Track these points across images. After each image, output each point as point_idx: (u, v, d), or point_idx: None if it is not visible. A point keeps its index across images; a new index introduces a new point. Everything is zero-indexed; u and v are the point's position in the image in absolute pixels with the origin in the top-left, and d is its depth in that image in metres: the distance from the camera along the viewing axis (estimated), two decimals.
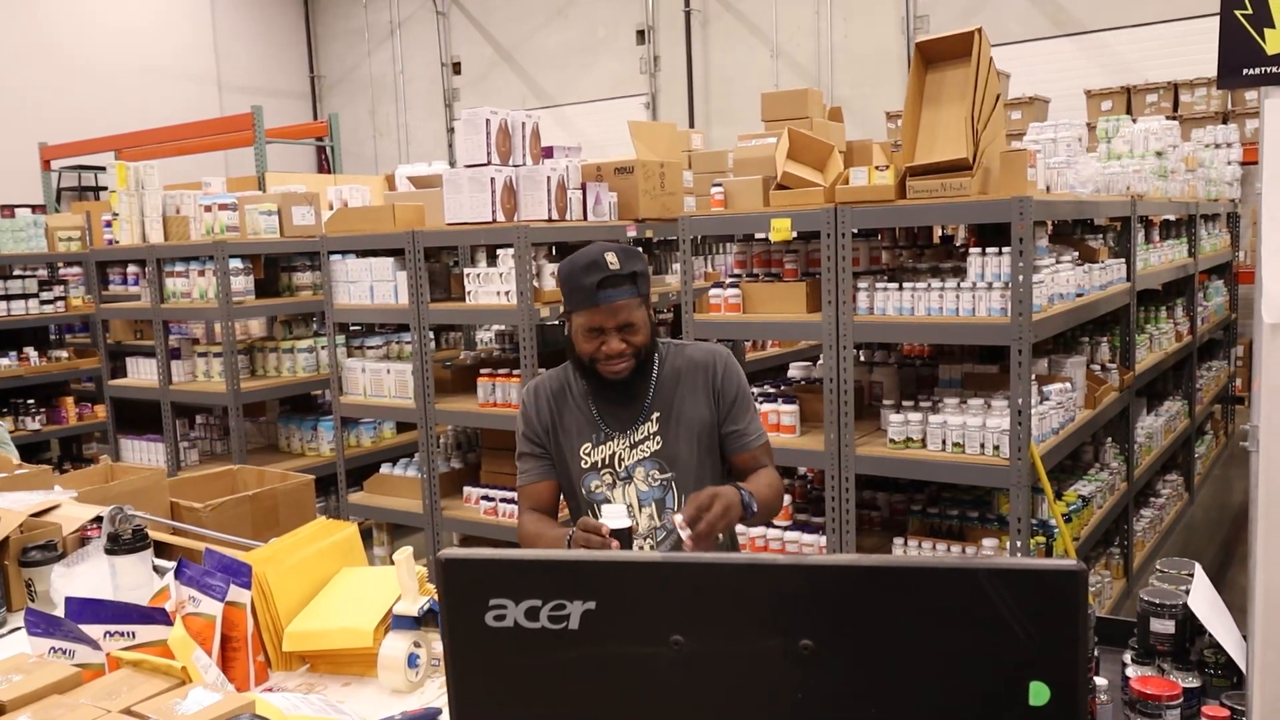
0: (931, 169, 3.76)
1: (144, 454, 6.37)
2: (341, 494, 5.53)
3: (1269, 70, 1.58)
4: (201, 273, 5.87)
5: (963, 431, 3.73)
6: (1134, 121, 6.40)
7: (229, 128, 10.20)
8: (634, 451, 2.37)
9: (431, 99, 15.65)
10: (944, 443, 3.77)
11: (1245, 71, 1.59)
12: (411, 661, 1.87)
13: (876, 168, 3.94)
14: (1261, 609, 1.73)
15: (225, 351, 5.77)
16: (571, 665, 0.98)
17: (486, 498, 4.96)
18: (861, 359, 4.79)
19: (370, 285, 5.19)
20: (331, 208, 6.72)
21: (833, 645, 0.92)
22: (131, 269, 7.20)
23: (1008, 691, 0.89)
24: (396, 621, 1.91)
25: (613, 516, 2.11)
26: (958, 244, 5.25)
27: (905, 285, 3.84)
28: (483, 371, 4.90)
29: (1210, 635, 1.97)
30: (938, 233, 5.71)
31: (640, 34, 13.64)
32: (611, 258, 2.24)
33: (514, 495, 4.82)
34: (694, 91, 13.29)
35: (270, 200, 6.12)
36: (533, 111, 5.01)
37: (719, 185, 4.54)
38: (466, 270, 4.94)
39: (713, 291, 4.40)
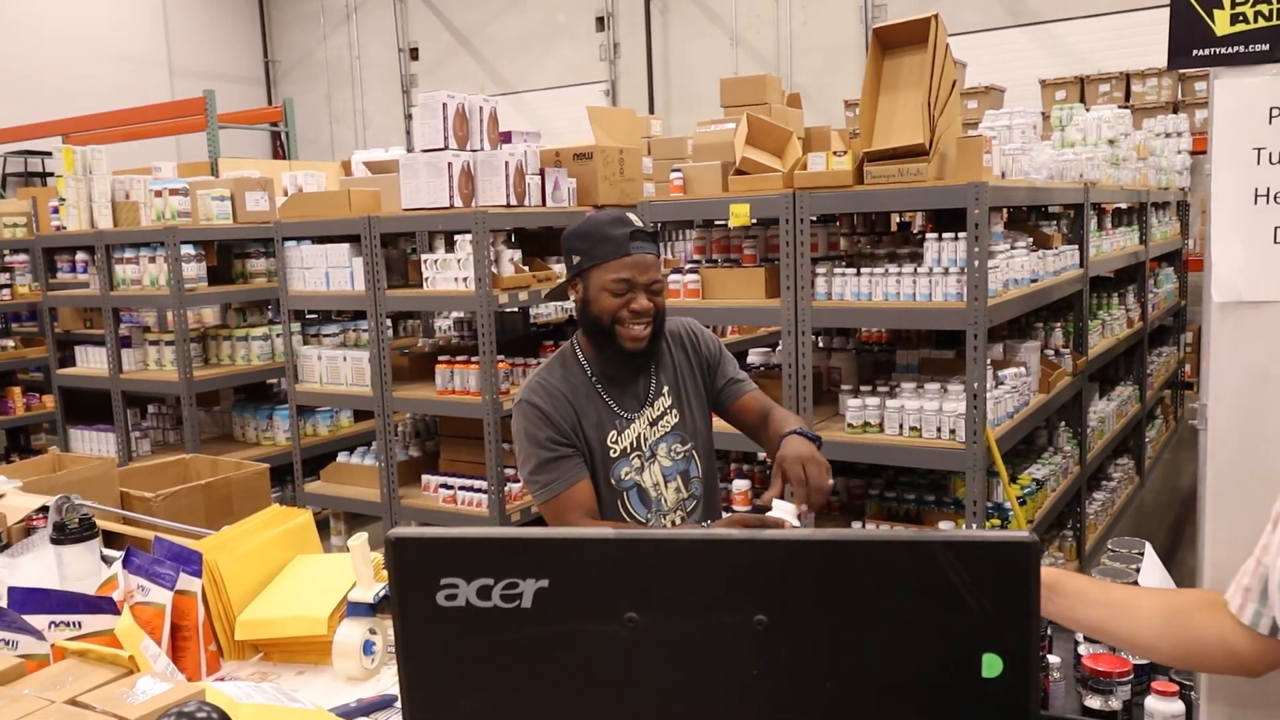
0: (889, 154, 3.78)
1: (94, 444, 6.25)
2: (298, 483, 5.46)
3: (1218, 51, 1.60)
4: (152, 259, 5.75)
5: (920, 416, 3.76)
6: (1087, 110, 6.48)
7: (180, 112, 10.01)
8: (655, 429, 2.34)
9: (389, 85, 15.47)
10: (901, 427, 3.80)
11: (1195, 52, 1.61)
12: (367, 649, 1.85)
13: (834, 153, 3.95)
14: (1209, 582, 1.76)
15: (178, 339, 5.67)
16: (524, 644, 0.96)
17: (445, 486, 4.92)
18: (820, 345, 4.81)
19: (326, 272, 5.12)
20: (286, 194, 6.62)
21: (788, 620, 0.92)
22: (80, 256, 7.05)
23: (961, 663, 0.89)
24: (351, 609, 1.88)
25: (783, 512, 1.96)
26: (915, 230, 5.29)
27: (863, 271, 3.86)
28: (441, 359, 4.86)
29: None
30: (896, 219, 5.75)
31: (600, 21, 13.57)
32: (634, 216, 2.21)
33: (473, 483, 4.81)
34: (654, 79, 13.26)
35: (223, 186, 6.02)
36: (492, 98, 4.96)
37: (678, 171, 4.53)
38: (424, 256, 4.89)
39: (672, 277, 4.39)
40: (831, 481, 2.16)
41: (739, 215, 4.02)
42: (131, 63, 14.22)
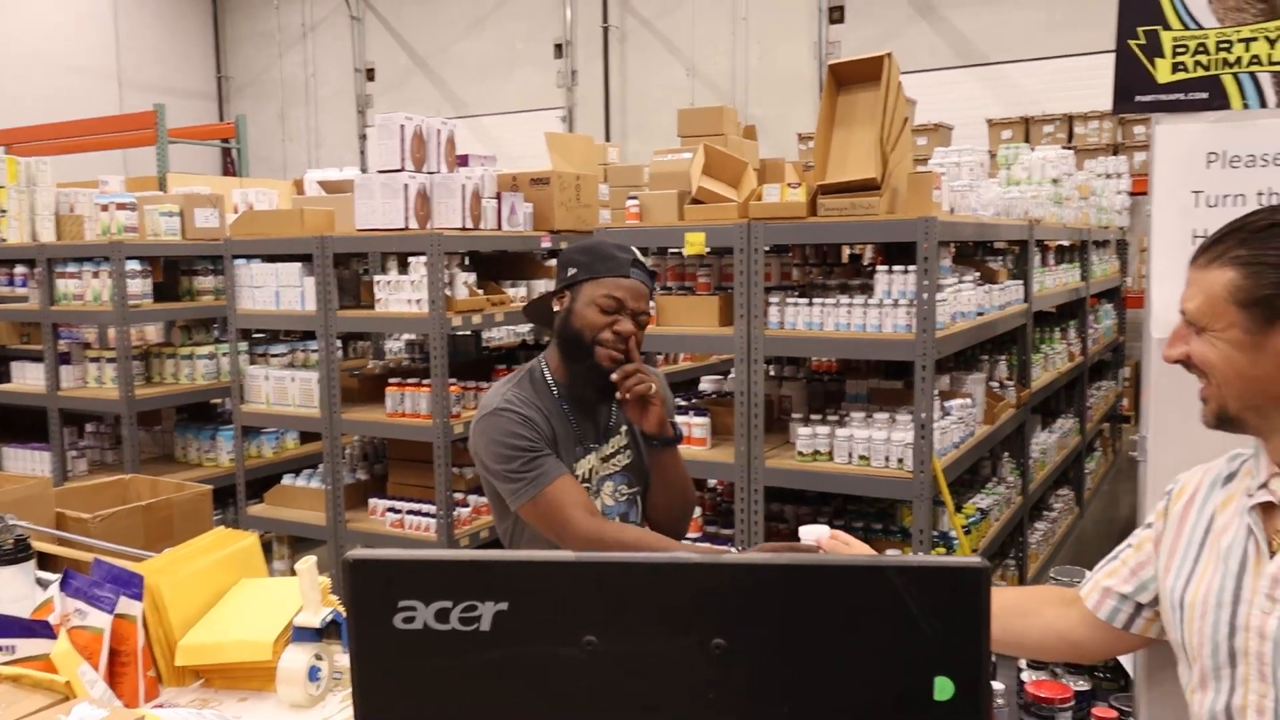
0: (842, 188, 3.85)
1: (28, 463, 6.08)
2: (240, 506, 5.36)
3: (1160, 98, 1.66)
4: (96, 274, 5.64)
5: (868, 445, 3.81)
6: (1032, 150, 6.65)
7: (129, 125, 9.86)
8: (605, 464, 2.31)
9: (344, 105, 15.39)
10: (850, 456, 3.84)
11: (1138, 98, 1.67)
12: (313, 675, 1.82)
13: (789, 185, 4.01)
14: None
15: (119, 357, 5.55)
16: (483, 667, 0.96)
17: (393, 509, 4.87)
18: (772, 373, 4.85)
19: (276, 290, 5.06)
20: (237, 211, 6.54)
21: (745, 643, 0.93)
22: (20, 269, 6.87)
23: (914, 687, 0.91)
24: (297, 633, 1.85)
25: (812, 535, 1.84)
26: (866, 263, 5.37)
27: (815, 301, 3.92)
28: (391, 381, 4.82)
29: None
30: (847, 251, 5.84)
31: (558, 48, 13.65)
32: (629, 246, 2.25)
33: (421, 507, 4.76)
34: (611, 106, 13.35)
35: (172, 201, 5.93)
36: (449, 121, 4.96)
37: (634, 198, 4.56)
38: (377, 278, 4.86)
39: None
40: (653, 386, 2.20)
41: (694, 244, 4.05)
42: (79, 74, 13.98)
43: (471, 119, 13.90)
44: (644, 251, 6.17)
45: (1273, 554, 1.35)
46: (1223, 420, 1.39)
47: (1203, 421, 1.41)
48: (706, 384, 5.09)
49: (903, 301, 3.74)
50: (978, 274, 4.67)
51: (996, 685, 2.00)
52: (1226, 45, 1.63)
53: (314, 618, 1.85)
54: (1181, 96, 1.65)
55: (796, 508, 4.47)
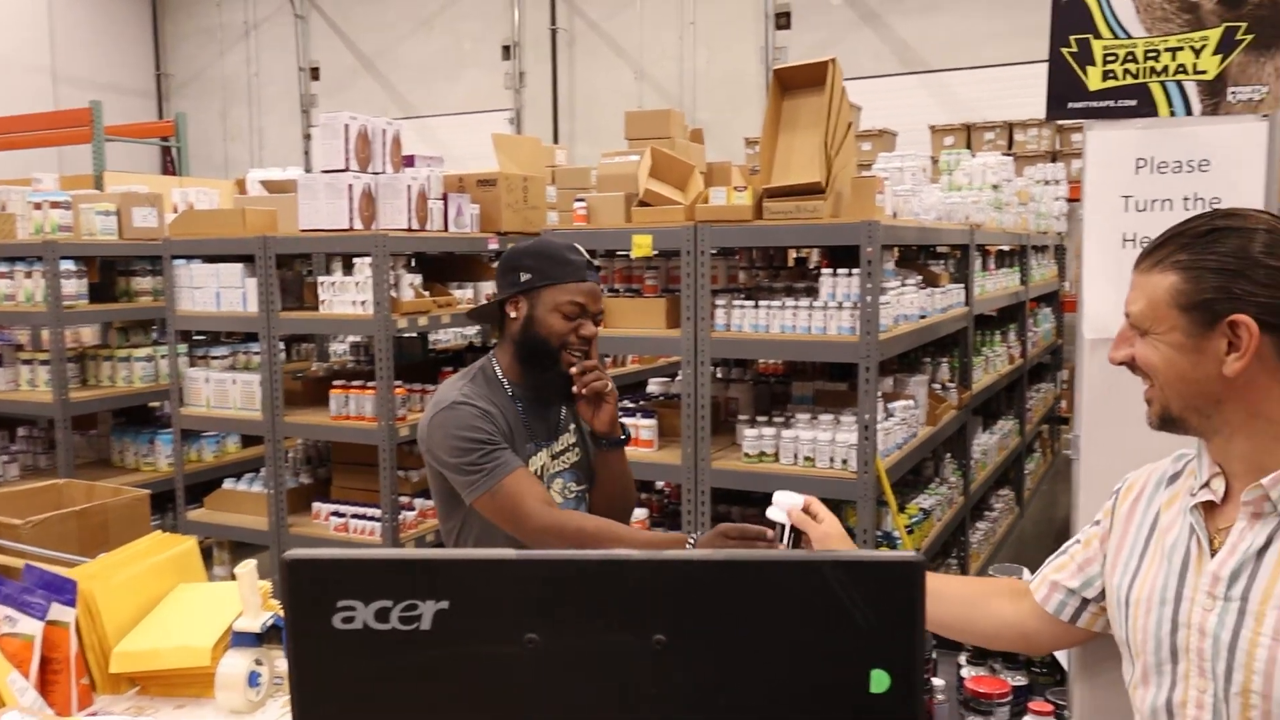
0: (787, 191, 3.89)
1: None
2: (180, 510, 5.25)
3: (1091, 105, 1.70)
4: (29, 274, 5.49)
5: (813, 446, 3.85)
6: (973, 156, 6.78)
7: (64, 122, 9.61)
8: (555, 462, 2.33)
9: (288, 104, 15.16)
10: (796, 457, 3.88)
11: (1070, 104, 1.72)
12: (252, 680, 1.79)
13: (735, 188, 4.04)
14: None
15: (53, 359, 5.41)
16: (423, 667, 0.96)
17: (337, 514, 4.81)
18: (719, 375, 4.88)
19: (217, 291, 4.97)
20: (176, 210, 6.41)
21: (685, 639, 0.94)
22: None
23: (850, 679, 0.92)
24: (237, 639, 1.82)
25: (784, 503, 1.82)
26: (811, 265, 5.43)
27: (761, 303, 3.95)
28: (335, 383, 4.76)
29: None
30: (793, 254, 5.90)
31: (506, 49, 13.60)
32: (579, 248, 2.25)
33: (366, 511, 4.71)
34: (559, 109, 13.33)
35: (108, 200, 5.80)
36: (396, 121, 4.92)
37: (582, 200, 4.56)
38: (321, 279, 4.80)
39: None
40: (610, 384, 2.25)
41: (641, 246, 4.07)
42: (11, 69, 13.60)
43: (418, 120, 13.79)
44: (592, 254, 6.18)
45: (1214, 553, 1.37)
46: (1166, 421, 1.42)
47: (1148, 423, 1.43)
48: (654, 386, 5.11)
49: (847, 304, 3.78)
50: (920, 277, 4.74)
51: (937, 681, 2.04)
52: (1154, 54, 1.68)
53: (254, 622, 1.83)
54: (1112, 104, 1.70)
55: (743, 509, 4.50)
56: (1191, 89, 1.67)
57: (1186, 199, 1.66)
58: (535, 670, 0.94)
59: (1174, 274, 1.34)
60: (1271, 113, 1.64)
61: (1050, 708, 1.90)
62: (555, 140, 12.93)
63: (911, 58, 11.30)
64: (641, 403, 4.61)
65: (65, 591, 1.78)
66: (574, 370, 2.20)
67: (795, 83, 4.07)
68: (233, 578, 1.84)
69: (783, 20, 11.98)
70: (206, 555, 5.33)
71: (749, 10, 12.06)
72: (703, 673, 0.94)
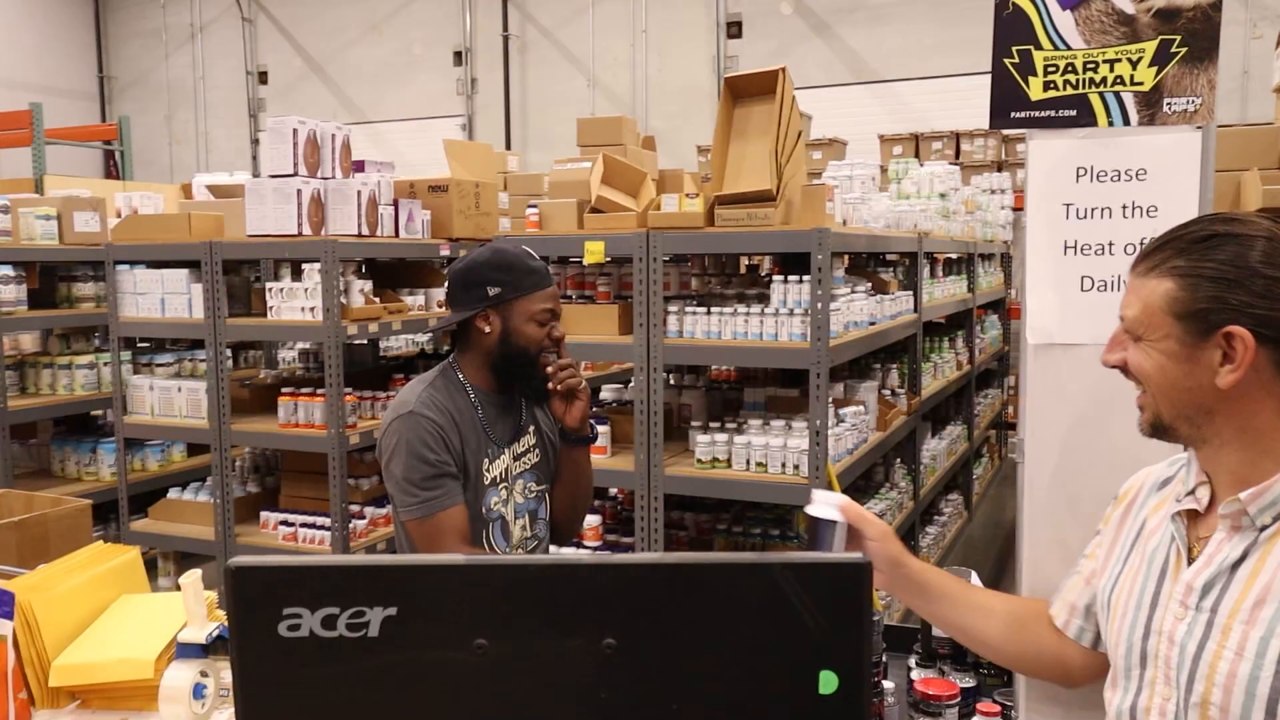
0: (738, 198, 3.91)
1: None
2: (123, 521, 5.14)
3: (1032, 114, 1.74)
4: None
5: (765, 452, 3.87)
6: (921, 165, 6.88)
7: (3, 125, 9.39)
8: (518, 463, 2.38)
9: (235, 108, 14.95)
10: (748, 463, 3.90)
11: (1013, 114, 1.75)
12: (197, 692, 1.76)
13: (687, 195, 4.06)
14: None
15: None
16: (371, 674, 0.95)
17: (286, 523, 4.74)
18: (672, 382, 4.89)
19: (162, 298, 4.88)
20: (120, 215, 6.29)
21: (635, 643, 0.94)
22: None
23: (800, 681, 0.93)
24: (181, 650, 1.79)
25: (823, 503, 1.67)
26: (763, 273, 5.47)
27: (713, 310, 3.97)
28: (284, 390, 4.69)
29: None
30: (745, 262, 5.94)
31: (458, 55, 13.54)
32: (533, 253, 2.30)
33: (315, 520, 4.65)
34: (511, 115, 13.30)
35: (49, 204, 5.67)
36: (345, 126, 4.87)
37: (534, 207, 4.55)
38: (269, 285, 4.73)
39: None
40: (584, 381, 2.32)
41: (594, 252, 4.07)
42: None
43: (369, 125, 13.68)
44: (545, 260, 6.18)
45: (1191, 561, 1.36)
46: (1157, 429, 1.38)
47: (1139, 429, 1.40)
48: (607, 392, 5.11)
49: (798, 311, 3.82)
50: (870, 284, 4.80)
51: (887, 684, 2.06)
52: (1093, 65, 1.73)
53: (199, 633, 1.79)
54: (1052, 113, 1.74)
55: (696, 515, 4.51)
56: (1129, 100, 1.71)
57: (1125, 207, 1.70)
58: (485, 675, 0.94)
59: (1170, 280, 1.31)
60: (1205, 123, 1.68)
61: (997, 708, 1.93)
62: (508, 147, 12.89)
63: (861, 68, 11.46)
64: (595, 409, 4.60)
65: (3, 604, 1.74)
66: (549, 369, 2.27)
67: (746, 91, 4.10)
68: (178, 588, 1.81)
69: (734, 29, 12.08)
70: (151, 567, 5.21)
71: (700, 19, 12.15)
72: (653, 675, 0.94)
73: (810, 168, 6.99)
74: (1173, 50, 1.69)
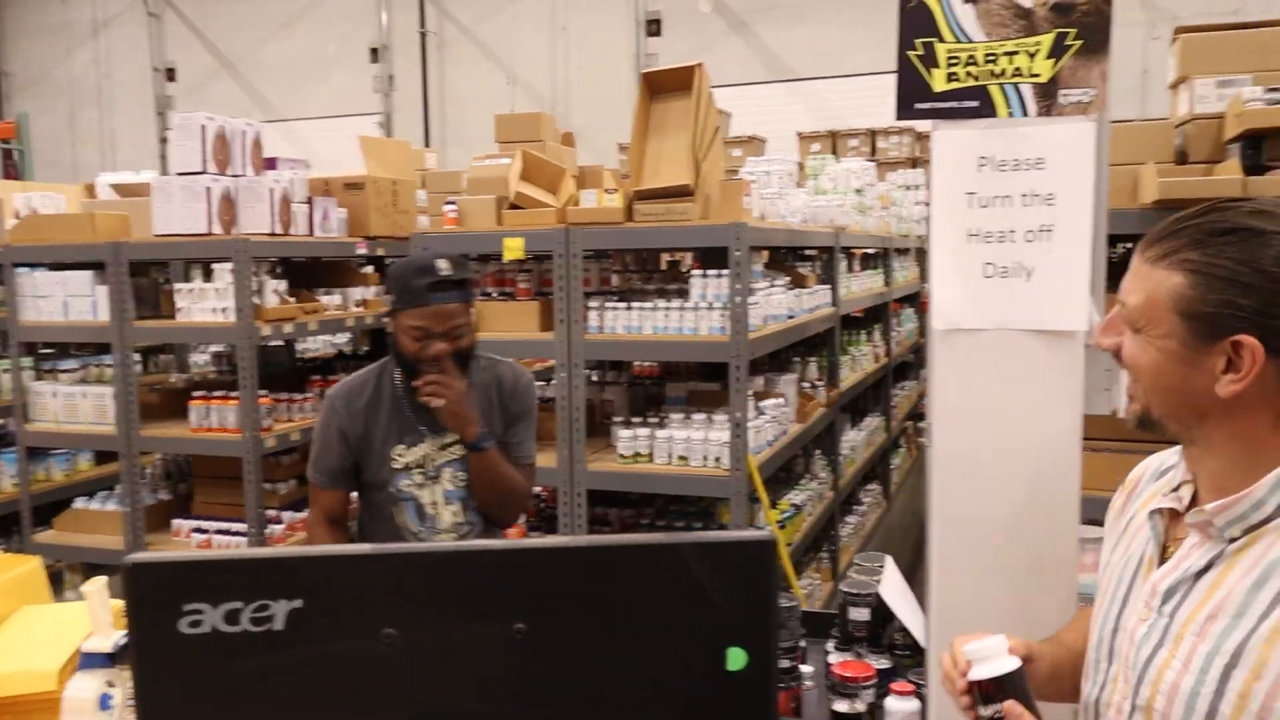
0: (657, 194, 3.93)
1: None
2: (26, 532, 4.95)
3: (936, 105, 1.79)
4: None
5: (687, 445, 3.90)
6: (838, 161, 6.99)
7: None
8: (444, 452, 2.54)
9: (141, 106, 14.49)
10: (670, 456, 3.93)
11: (916, 105, 1.79)
12: (103, 703, 1.70)
13: (606, 191, 4.07)
14: (937, 585, 1.93)
15: None
16: (277, 669, 0.93)
17: (199, 530, 4.61)
18: (595, 378, 4.89)
19: (64, 301, 4.71)
20: (19, 216, 6.03)
21: (547, 627, 0.94)
22: None
23: (709, 658, 0.94)
24: (86, 660, 1.73)
25: (983, 657, 1.35)
26: (684, 268, 5.50)
27: (633, 305, 3.98)
28: (195, 394, 4.57)
29: (898, 620, 2.18)
30: (667, 258, 5.96)
31: (374, 52, 13.34)
32: (443, 264, 2.39)
33: (230, 526, 4.54)
34: (430, 113, 13.15)
35: None
36: (256, 123, 4.76)
37: (453, 204, 4.51)
38: (179, 286, 4.60)
39: None
40: (441, 401, 2.43)
41: (513, 249, 4.05)
42: None
43: (283, 123, 13.38)
44: (466, 257, 6.12)
45: (1163, 561, 1.31)
46: (1144, 423, 1.29)
47: (1126, 419, 1.32)
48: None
49: (717, 305, 3.85)
50: (789, 279, 4.86)
51: (805, 669, 2.09)
52: (993, 58, 1.78)
53: (105, 642, 1.73)
54: (955, 104, 1.78)
55: (620, 510, 4.52)
56: (1027, 91, 1.76)
57: (1024, 195, 1.75)
58: (394, 665, 0.93)
59: (1180, 274, 1.19)
60: (1098, 114, 1.74)
61: (911, 687, 1.97)
62: (427, 144, 12.74)
63: (780, 66, 11.60)
64: None
65: None
66: (416, 383, 2.44)
67: (663, 87, 4.12)
68: (83, 598, 1.75)
69: (654, 27, 12.13)
70: (57, 579, 5.03)
71: (620, 17, 12.16)
72: (564, 658, 0.94)
73: (730, 165, 7.05)
74: (1067, 43, 1.75)
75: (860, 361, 6.18)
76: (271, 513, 4.60)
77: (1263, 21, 3.46)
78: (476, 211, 4.40)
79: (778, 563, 0.93)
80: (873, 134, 9.75)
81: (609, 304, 4.02)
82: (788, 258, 5.58)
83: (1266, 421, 1.20)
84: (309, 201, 4.81)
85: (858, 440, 5.95)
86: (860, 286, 6.22)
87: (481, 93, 12.73)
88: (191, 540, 4.61)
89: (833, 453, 5.44)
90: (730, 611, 0.94)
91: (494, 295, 4.59)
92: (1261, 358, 1.16)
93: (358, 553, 0.94)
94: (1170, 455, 1.42)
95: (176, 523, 4.72)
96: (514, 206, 4.23)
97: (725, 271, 3.84)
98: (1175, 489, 1.33)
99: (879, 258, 7.12)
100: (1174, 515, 1.32)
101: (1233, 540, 1.22)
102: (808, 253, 5.82)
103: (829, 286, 5.42)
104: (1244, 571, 1.19)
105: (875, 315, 7.09)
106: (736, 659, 0.94)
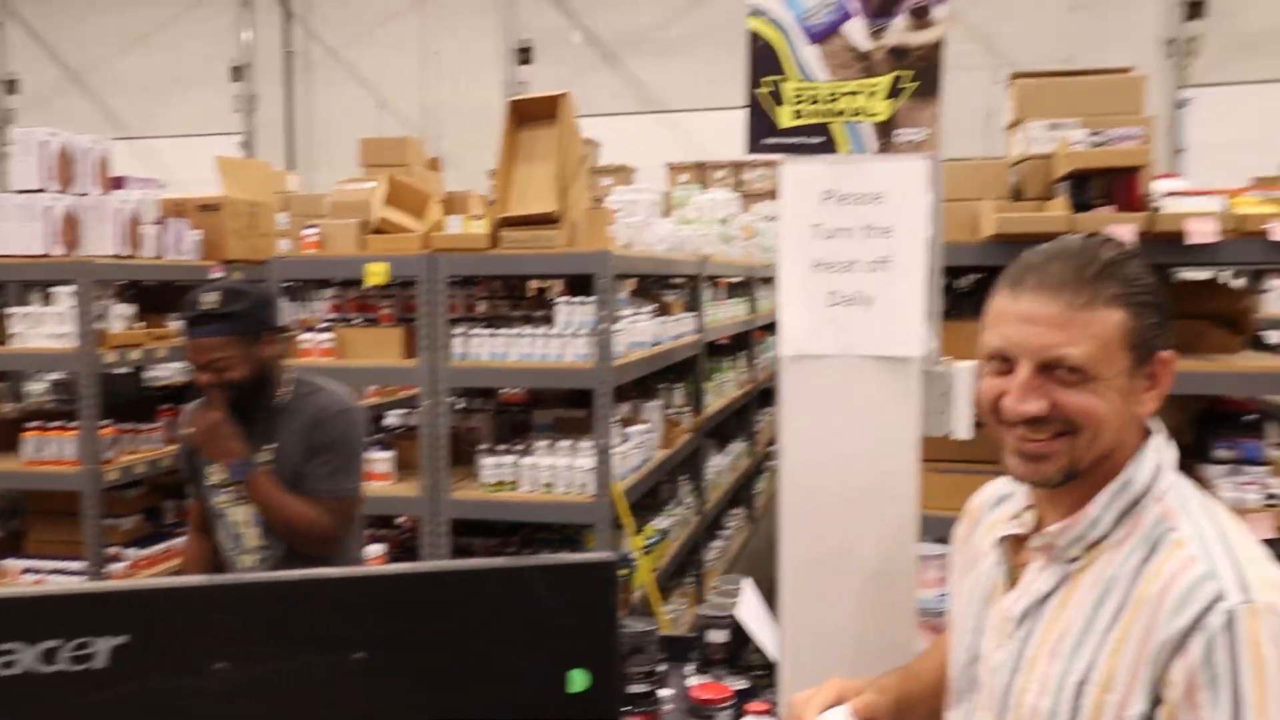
0: (523, 220, 3.94)
1: None
2: None
3: (782, 141, 1.86)
4: None
5: (552, 472, 3.90)
6: (704, 192, 7.15)
7: None
8: (266, 466, 2.56)
9: None
10: (536, 484, 3.92)
11: (763, 141, 1.87)
12: None
13: (472, 217, 4.05)
14: (788, 603, 1.98)
15: None
16: (100, 709, 0.89)
17: (32, 570, 4.33)
18: (462, 406, 4.84)
19: None
20: None
21: (388, 655, 0.93)
22: None
23: (551, 681, 0.95)
24: None
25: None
26: (552, 296, 5.51)
27: (499, 331, 3.97)
28: (29, 425, 4.30)
29: (755, 641, 2.22)
30: (536, 285, 5.96)
31: (236, 70, 12.93)
32: (210, 298, 2.43)
33: (68, 565, 4.30)
34: (295, 135, 12.82)
35: None
36: (108, 140, 4.55)
37: (314, 228, 4.41)
38: (13, 310, 4.34)
39: (305, 336, 4.23)
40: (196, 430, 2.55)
41: (376, 274, 3.98)
42: None
43: (137, 141, 12.79)
44: (324, 283, 5.97)
45: (1012, 586, 1.34)
46: (1070, 476, 1.25)
47: (1037, 481, 1.29)
48: (393, 417, 5.00)
49: (583, 332, 3.88)
50: (655, 306, 4.93)
51: (664, 693, 2.11)
52: (836, 97, 1.87)
53: None
54: (801, 140, 1.86)
55: (486, 540, 4.47)
56: (867, 129, 1.86)
57: (865, 228, 1.84)
58: (226, 700, 0.91)
59: (1117, 310, 1.21)
60: (931, 152, 1.85)
61: (767, 706, 2.02)
62: (291, 167, 12.41)
63: (650, 98, 11.80)
64: (379, 435, 4.49)
65: None
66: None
67: (531, 115, 4.14)
68: None
69: (525, 56, 12.17)
70: None
71: (492, 44, 12.16)
72: (404, 686, 0.93)
73: (599, 193, 7.11)
74: (902, 85, 1.85)
75: (725, 388, 6.30)
76: (112, 549, 4.36)
77: (1088, 70, 3.74)
78: (339, 236, 4.31)
79: (618, 584, 0.94)
80: (738, 166, 10.00)
81: (474, 331, 4.00)
82: (654, 286, 5.66)
83: (1142, 432, 1.28)
84: (161, 222, 4.62)
85: (723, 465, 6.05)
86: (725, 314, 6.36)
87: (349, 116, 12.48)
88: (23, 580, 4.33)
89: (698, 478, 5.52)
90: (572, 634, 0.95)
91: (356, 321, 4.50)
92: (1173, 366, 1.25)
93: (187, 584, 0.92)
94: (1003, 483, 1.46)
95: (7, 563, 4.42)
96: (378, 231, 4.17)
97: (591, 299, 3.87)
98: (1017, 515, 1.36)
99: (744, 286, 7.30)
100: (1018, 540, 1.35)
101: (1074, 560, 1.26)
102: (674, 281, 5.92)
103: (694, 314, 5.52)
104: (1087, 589, 1.24)
105: (740, 342, 7.24)
106: (580, 681, 0.95)
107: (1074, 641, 1.23)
